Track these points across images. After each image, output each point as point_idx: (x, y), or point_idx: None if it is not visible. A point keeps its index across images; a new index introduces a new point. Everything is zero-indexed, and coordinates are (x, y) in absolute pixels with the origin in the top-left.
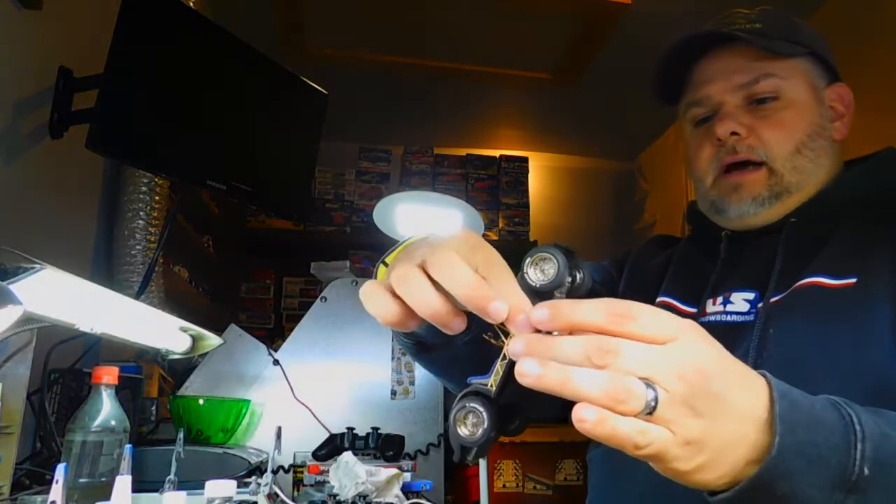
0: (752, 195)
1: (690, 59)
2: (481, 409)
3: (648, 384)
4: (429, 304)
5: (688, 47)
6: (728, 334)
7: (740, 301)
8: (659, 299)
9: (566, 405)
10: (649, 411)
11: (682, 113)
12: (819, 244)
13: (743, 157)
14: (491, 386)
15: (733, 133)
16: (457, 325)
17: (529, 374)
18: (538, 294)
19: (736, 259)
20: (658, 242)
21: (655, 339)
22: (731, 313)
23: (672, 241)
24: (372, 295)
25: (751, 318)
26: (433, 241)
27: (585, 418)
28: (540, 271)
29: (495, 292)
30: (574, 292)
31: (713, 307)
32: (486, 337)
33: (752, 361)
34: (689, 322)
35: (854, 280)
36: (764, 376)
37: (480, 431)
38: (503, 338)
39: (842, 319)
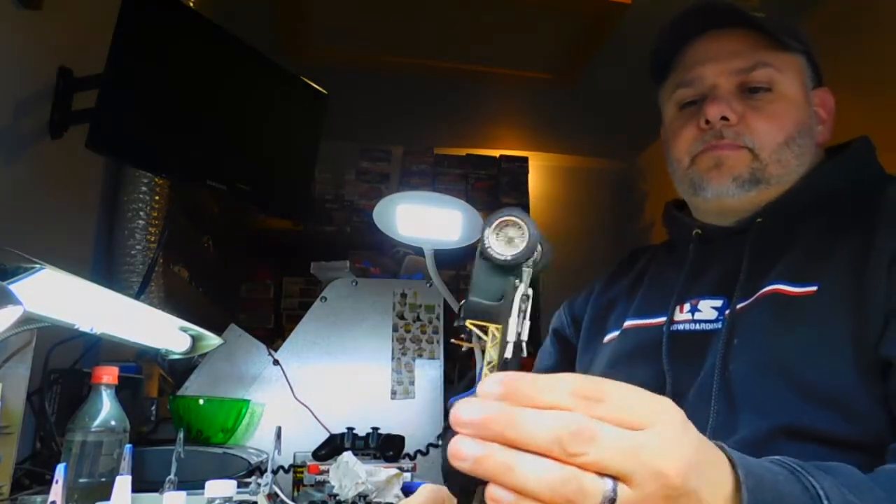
0: (732, 174)
1: (687, 38)
2: None
3: (608, 477)
4: None
5: (690, 21)
6: (697, 343)
7: (708, 309)
8: (626, 323)
9: None
10: None
11: (666, 94)
12: (783, 248)
13: (728, 143)
14: None
15: (723, 118)
16: None
17: (467, 456)
18: (503, 269)
19: (703, 263)
20: (626, 262)
21: (628, 424)
22: (700, 321)
23: (642, 252)
24: None
25: (719, 325)
26: None
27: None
28: (505, 240)
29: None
30: (538, 266)
31: (681, 315)
32: (458, 341)
33: (718, 373)
34: (664, 403)
35: (815, 288)
36: (723, 449)
37: None
38: (484, 337)
39: (803, 329)
